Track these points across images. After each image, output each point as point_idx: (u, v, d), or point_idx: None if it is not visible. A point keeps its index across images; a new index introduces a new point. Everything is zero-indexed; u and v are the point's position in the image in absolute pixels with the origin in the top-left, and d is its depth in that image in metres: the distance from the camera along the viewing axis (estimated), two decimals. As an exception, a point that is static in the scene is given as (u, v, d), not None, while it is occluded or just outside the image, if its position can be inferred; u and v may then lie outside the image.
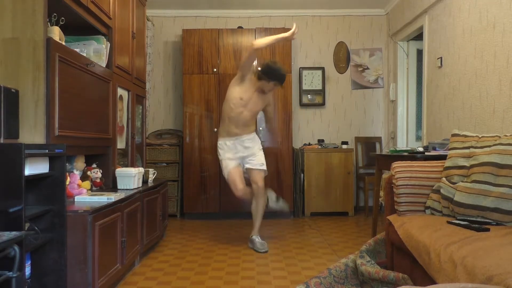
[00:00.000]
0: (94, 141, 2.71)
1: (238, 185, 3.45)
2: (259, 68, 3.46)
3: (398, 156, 3.09)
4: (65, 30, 2.47)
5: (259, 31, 4.85)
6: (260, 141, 3.68)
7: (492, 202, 2.00)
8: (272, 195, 3.75)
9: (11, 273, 1.52)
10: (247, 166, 3.54)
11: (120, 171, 3.02)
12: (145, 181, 3.39)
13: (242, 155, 3.53)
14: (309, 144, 5.15)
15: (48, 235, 1.96)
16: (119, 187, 3.00)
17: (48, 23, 2.25)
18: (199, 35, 4.82)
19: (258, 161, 3.54)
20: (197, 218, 4.81)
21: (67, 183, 2.34)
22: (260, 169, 3.53)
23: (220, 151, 3.56)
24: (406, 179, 2.35)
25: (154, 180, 3.60)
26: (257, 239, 3.47)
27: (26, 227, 1.83)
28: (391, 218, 2.38)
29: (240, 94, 3.41)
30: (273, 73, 3.34)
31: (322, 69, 5.32)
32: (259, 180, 3.50)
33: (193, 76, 4.80)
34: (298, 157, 4.98)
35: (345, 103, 5.40)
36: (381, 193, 3.55)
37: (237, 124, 3.46)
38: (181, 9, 5.26)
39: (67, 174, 2.35)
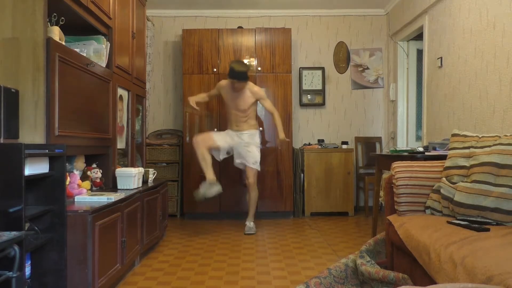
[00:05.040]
0: (94, 141, 2.71)
1: (201, 139, 3.95)
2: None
3: (398, 156, 3.09)
4: (65, 30, 2.47)
5: (259, 31, 4.85)
6: (259, 140, 4.20)
7: (492, 202, 2.00)
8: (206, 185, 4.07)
9: (11, 273, 1.52)
10: (243, 161, 4.10)
11: (120, 171, 3.02)
12: (145, 181, 3.39)
13: (237, 142, 4.09)
14: (309, 144, 5.15)
15: (48, 235, 1.96)
16: (119, 187, 3.00)
17: (48, 23, 2.25)
18: (199, 35, 4.81)
19: (252, 159, 4.07)
20: (197, 218, 4.81)
21: (67, 183, 2.34)
22: (252, 167, 4.08)
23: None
24: (406, 179, 2.35)
25: (154, 180, 3.60)
26: (249, 224, 4.12)
27: (26, 227, 1.83)
28: (391, 218, 2.38)
29: (226, 102, 4.19)
30: (230, 72, 3.94)
31: (322, 69, 5.32)
32: (251, 176, 4.09)
33: (193, 76, 4.80)
34: (298, 157, 4.98)
35: (345, 103, 5.40)
36: (381, 193, 3.55)
37: (235, 122, 4.15)
38: (181, 9, 5.26)
39: (67, 174, 2.35)
